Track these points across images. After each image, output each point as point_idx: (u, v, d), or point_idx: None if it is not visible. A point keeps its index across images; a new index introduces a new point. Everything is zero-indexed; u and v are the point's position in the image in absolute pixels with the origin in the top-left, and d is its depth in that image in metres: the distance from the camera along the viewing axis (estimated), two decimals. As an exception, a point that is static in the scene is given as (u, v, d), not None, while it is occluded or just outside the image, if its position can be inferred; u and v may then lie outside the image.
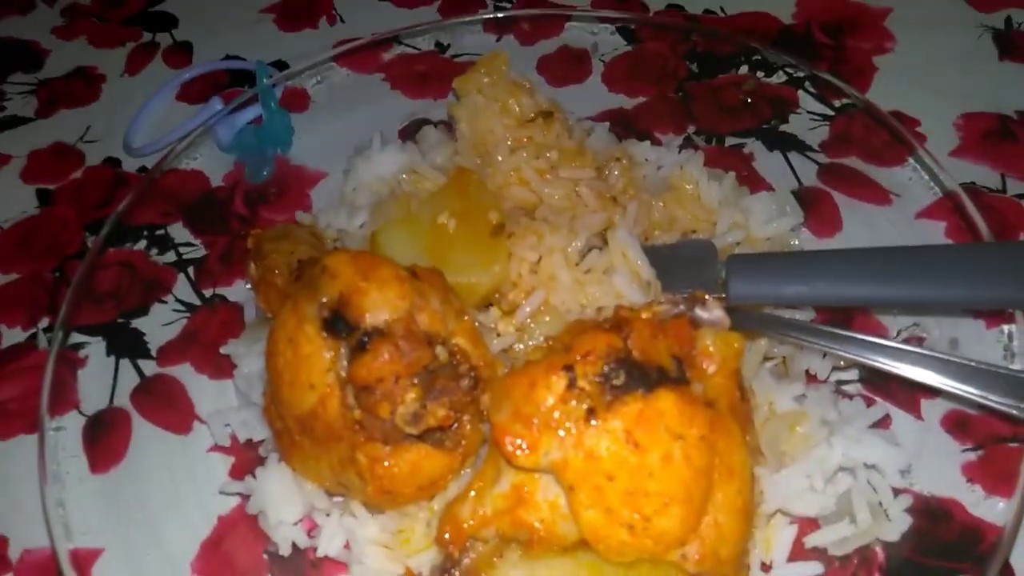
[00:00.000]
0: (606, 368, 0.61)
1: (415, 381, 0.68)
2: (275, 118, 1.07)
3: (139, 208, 1.02)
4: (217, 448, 0.86)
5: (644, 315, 0.64)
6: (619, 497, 0.60)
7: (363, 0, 1.32)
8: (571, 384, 0.61)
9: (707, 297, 0.67)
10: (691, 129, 1.09)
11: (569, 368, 0.61)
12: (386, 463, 0.69)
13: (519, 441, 0.60)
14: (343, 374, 0.68)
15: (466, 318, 0.74)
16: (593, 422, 0.60)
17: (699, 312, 0.66)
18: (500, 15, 1.20)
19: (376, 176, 0.95)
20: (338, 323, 0.68)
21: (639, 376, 0.61)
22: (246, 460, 0.84)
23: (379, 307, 0.68)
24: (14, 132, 1.19)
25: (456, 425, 0.71)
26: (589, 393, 0.60)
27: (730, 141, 1.08)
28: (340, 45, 1.20)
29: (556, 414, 0.60)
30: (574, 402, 0.60)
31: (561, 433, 0.60)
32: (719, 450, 0.62)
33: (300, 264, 0.83)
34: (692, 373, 0.64)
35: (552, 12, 1.21)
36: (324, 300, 0.69)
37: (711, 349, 0.65)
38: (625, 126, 1.08)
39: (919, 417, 0.83)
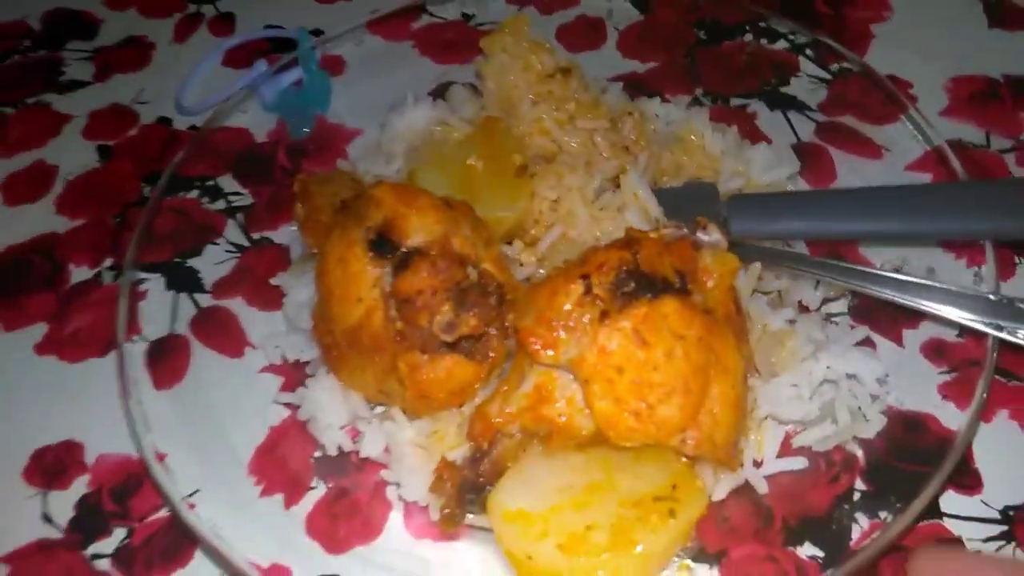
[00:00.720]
0: (617, 277, 0.70)
1: (449, 295, 0.77)
2: (315, 80, 1.16)
3: (192, 162, 1.12)
4: (268, 368, 0.95)
5: (652, 235, 0.74)
6: (627, 388, 0.69)
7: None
8: (587, 290, 0.70)
9: (707, 222, 0.76)
10: (698, 91, 1.18)
11: (585, 277, 0.70)
12: (423, 370, 0.79)
13: (542, 340, 0.70)
14: (387, 289, 0.78)
15: (493, 247, 0.83)
16: (606, 323, 0.69)
17: (700, 235, 0.76)
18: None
19: (409, 128, 1.05)
20: (383, 244, 0.78)
21: (646, 285, 0.70)
22: (294, 378, 0.94)
23: (419, 230, 0.78)
24: (74, 95, 1.29)
25: (484, 338, 0.80)
26: (602, 298, 0.70)
27: (734, 102, 1.16)
28: (373, 15, 1.30)
29: (574, 316, 0.70)
30: (589, 306, 0.70)
31: (578, 333, 0.70)
32: (715, 351, 0.71)
33: (343, 203, 0.93)
34: (693, 286, 0.73)
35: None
36: (370, 225, 0.79)
37: (710, 266, 0.74)
38: (637, 88, 1.17)
39: (900, 344, 0.91)
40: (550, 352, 0.70)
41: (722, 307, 0.74)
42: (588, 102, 0.98)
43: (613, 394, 0.69)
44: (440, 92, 1.18)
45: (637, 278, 0.70)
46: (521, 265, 0.89)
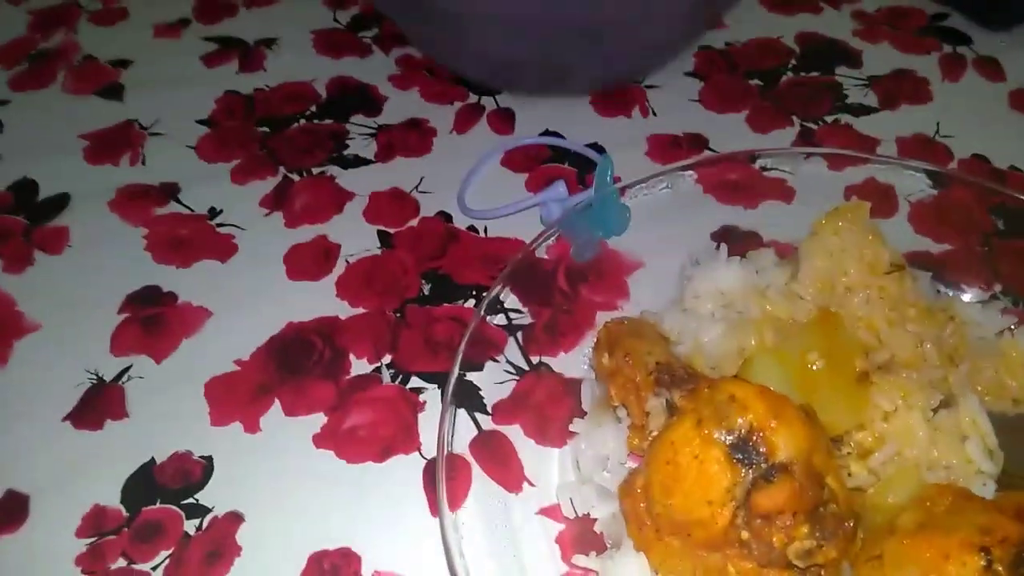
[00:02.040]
0: (1020, 554, 0.67)
1: (808, 519, 0.75)
2: (613, 208, 1.15)
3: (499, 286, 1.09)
4: (546, 511, 0.95)
5: (1049, 508, 0.70)
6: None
7: (675, 99, 1.41)
8: (987, 566, 0.67)
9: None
10: (997, 287, 1.13)
11: (986, 550, 0.67)
12: (756, 582, 0.77)
13: (930, 606, 0.67)
14: (741, 497, 0.77)
15: (835, 459, 0.81)
16: (1006, 605, 0.66)
17: (1094, 513, 0.72)
18: (809, 150, 1.26)
19: (715, 289, 1.03)
20: (747, 452, 0.76)
21: (1050, 570, 0.67)
22: (576, 531, 0.93)
23: (787, 445, 0.76)
24: (357, 171, 1.32)
25: (828, 565, 0.77)
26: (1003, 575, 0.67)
27: (1039, 309, 1.12)
28: (651, 139, 1.31)
29: (970, 590, 0.67)
30: (989, 582, 0.67)
31: (971, 607, 0.67)
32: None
33: (658, 365, 0.93)
34: (1087, 571, 0.69)
35: (857, 154, 1.24)
36: (734, 428, 0.77)
37: (1102, 550, 0.70)
38: (932, 272, 1.13)
39: None
40: (937, 620, 0.67)
41: (1111, 598, 0.69)
42: (922, 306, 0.95)
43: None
44: (722, 236, 1.18)
45: (1040, 560, 0.67)
46: (849, 475, 0.86)
